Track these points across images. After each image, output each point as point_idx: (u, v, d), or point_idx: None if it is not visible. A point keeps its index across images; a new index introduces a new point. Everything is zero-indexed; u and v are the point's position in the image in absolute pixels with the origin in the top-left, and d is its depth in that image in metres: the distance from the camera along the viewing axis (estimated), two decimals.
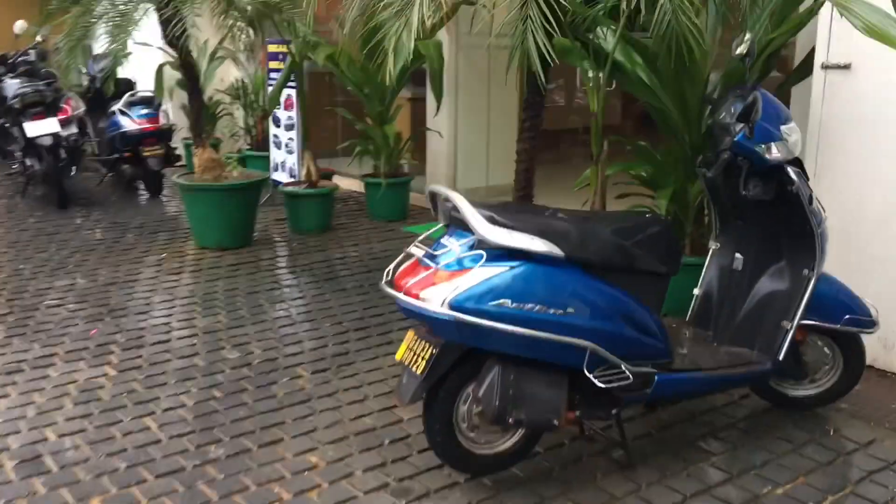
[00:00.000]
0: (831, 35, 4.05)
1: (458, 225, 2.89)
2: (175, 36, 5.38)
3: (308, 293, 5.33)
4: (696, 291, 3.58)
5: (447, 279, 2.74)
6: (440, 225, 3.01)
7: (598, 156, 4.35)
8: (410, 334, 2.96)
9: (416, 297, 2.76)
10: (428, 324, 2.80)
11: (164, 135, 8.22)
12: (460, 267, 2.75)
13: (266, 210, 7.27)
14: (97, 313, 4.93)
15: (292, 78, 7.09)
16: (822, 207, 3.21)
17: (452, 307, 2.67)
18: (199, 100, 6.29)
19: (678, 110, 4.46)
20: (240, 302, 5.15)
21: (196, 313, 4.94)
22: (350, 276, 5.68)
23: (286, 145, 7.61)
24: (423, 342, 2.86)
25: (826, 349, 3.52)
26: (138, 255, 6.21)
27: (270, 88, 7.81)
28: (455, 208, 2.85)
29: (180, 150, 8.99)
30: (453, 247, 2.82)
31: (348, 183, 8.38)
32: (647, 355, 2.96)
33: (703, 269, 3.59)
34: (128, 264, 5.96)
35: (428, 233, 3.04)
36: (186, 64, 6.11)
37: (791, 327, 3.19)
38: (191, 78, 6.20)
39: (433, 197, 3.00)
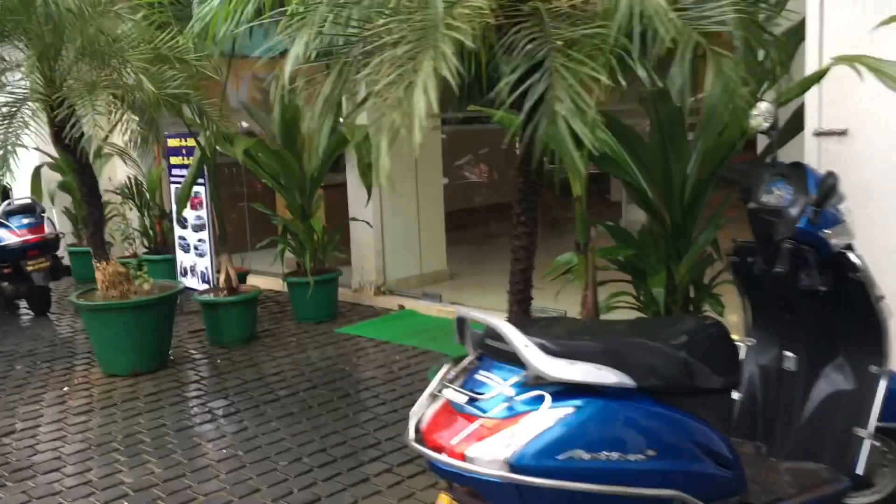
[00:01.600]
0: (822, 101, 3.79)
1: (496, 355, 2.33)
2: (74, 138, 4.64)
3: (250, 423, 4.57)
4: (734, 395, 3.12)
5: (498, 430, 2.16)
6: (470, 357, 2.44)
7: (585, 244, 3.89)
8: (444, 499, 2.34)
9: (461, 456, 2.16)
10: (476, 488, 2.20)
11: (49, 245, 7.28)
12: (512, 412, 2.18)
13: (175, 320, 6.45)
14: None
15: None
16: (883, 294, 2.83)
17: (514, 468, 2.09)
18: (98, 206, 5.51)
19: (661, 188, 4.09)
20: (171, 443, 4.35)
21: (120, 464, 4.11)
22: (293, 396, 4.96)
23: (195, 248, 6.86)
24: None
25: (885, 449, 3.11)
26: (34, 391, 5.29)
27: (173, 186, 7.08)
28: (492, 335, 2.30)
29: (66, 261, 8.08)
30: (500, 386, 2.24)
31: (264, 282, 7.66)
32: (727, 491, 2.45)
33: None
34: (23, 405, 5.04)
35: (450, 369, 2.45)
36: (84, 168, 5.35)
37: (867, 434, 2.75)
38: (89, 183, 5.43)
39: (461, 322, 2.43)
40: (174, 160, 7.05)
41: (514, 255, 3.31)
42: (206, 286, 6.70)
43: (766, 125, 2.89)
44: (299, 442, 4.27)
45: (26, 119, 4.60)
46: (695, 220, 4.30)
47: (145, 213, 8.16)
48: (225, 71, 5.79)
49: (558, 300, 4.63)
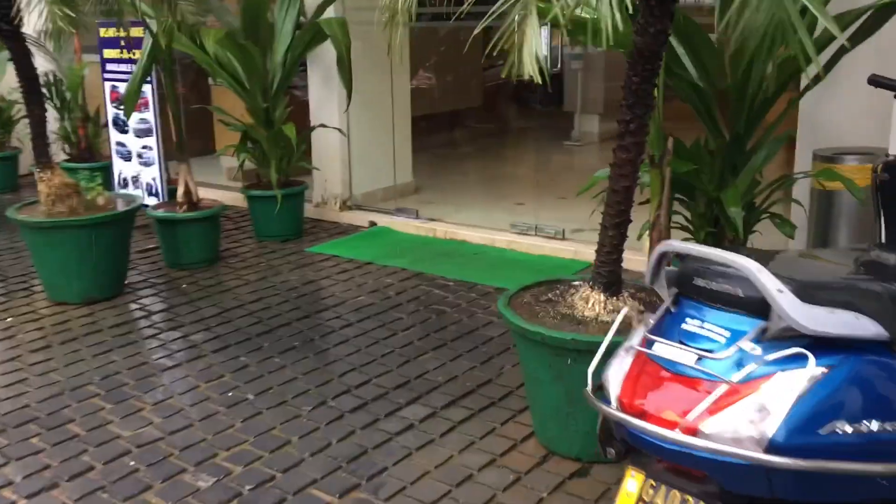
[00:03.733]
0: None
1: (709, 298, 1.85)
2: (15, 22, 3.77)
3: (249, 359, 3.98)
4: None
5: (739, 398, 1.70)
6: (666, 301, 1.93)
7: (660, 157, 3.42)
8: (638, 477, 1.88)
9: (694, 431, 1.69)
10: (707, 469, 1.74)
11: None
12: (752, 376, 1.72)
13: None
14: None
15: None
16: None
17: (772, 447, 1.64)
18: (40, 105, 4.62)
19: (734, 97, 3.65)
20: (162, 387, 3.72)
21: (108, 413, 3.47)
22: (287, 327, 4.38)
23: (139, 156, 6.02)
24: (678, 494, 1.80)
25: None
26: None
27: (108, 84, 6.17)
28: (703, 274, 1.82)
29: None
30: (732, 341, 1.77)
31: (209, 194, 6.87)
32: None
33: None
34: None
35: (637, 315, 1.96)
36: (25, 59, 4.44)
37: None
38: (28, 77, 4.53)
39: (662, 257, 1.92)
40: (109, 53, 6.11)
41: (618, 169, 2.79)
42: (154, 200, 5.91)
43: None
44: (316, 382, 3.72)
45: None
46: (752, 133, 3.92)
47: (66, 116, 7.14)
48: None
49: (594, 220, 4.17)
